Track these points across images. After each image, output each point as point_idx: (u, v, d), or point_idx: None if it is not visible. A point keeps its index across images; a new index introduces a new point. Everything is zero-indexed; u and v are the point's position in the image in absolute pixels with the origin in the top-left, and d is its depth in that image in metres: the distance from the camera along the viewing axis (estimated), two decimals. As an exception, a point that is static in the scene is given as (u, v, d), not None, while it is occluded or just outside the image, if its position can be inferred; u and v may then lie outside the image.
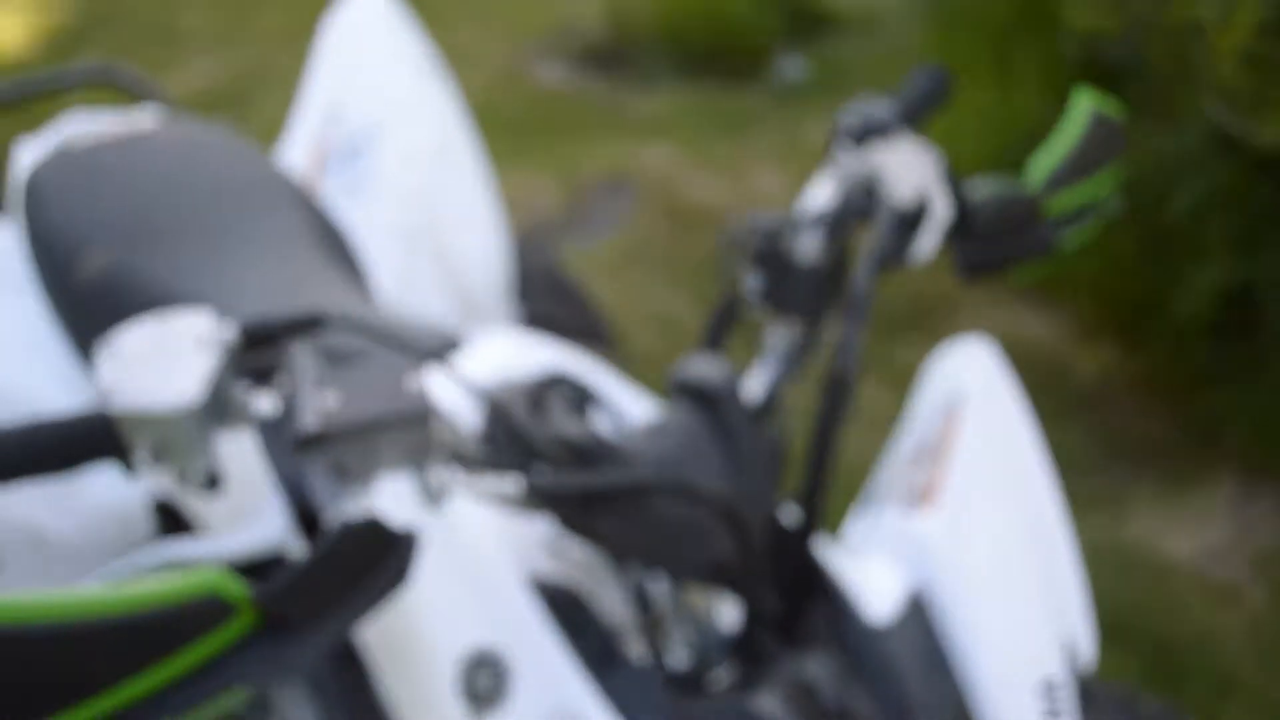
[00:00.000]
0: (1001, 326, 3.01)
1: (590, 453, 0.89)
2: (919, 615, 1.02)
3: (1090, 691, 1.07)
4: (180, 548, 0.79)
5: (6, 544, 1.40)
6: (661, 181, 3.70)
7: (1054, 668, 1.02)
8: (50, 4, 4.86)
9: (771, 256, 1.03)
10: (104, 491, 1.44)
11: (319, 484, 0.72)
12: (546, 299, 2.09)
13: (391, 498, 0.82)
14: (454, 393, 0.93)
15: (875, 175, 1.06)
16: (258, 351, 0.76)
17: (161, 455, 0.69)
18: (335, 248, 1.39)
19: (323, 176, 1.76)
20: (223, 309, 0.82)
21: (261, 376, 0.76)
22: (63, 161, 1.31)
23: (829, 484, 1.01)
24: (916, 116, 1.15)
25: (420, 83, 1.78)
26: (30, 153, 1.38)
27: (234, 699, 0.70)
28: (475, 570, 0.96)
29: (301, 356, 0.74)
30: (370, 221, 1.68)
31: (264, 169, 1.44)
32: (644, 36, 4.75)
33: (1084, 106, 1.13)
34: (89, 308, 1.04)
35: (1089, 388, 2.91)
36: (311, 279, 1.21)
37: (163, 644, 0.63)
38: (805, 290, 1.03)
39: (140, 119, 1.47)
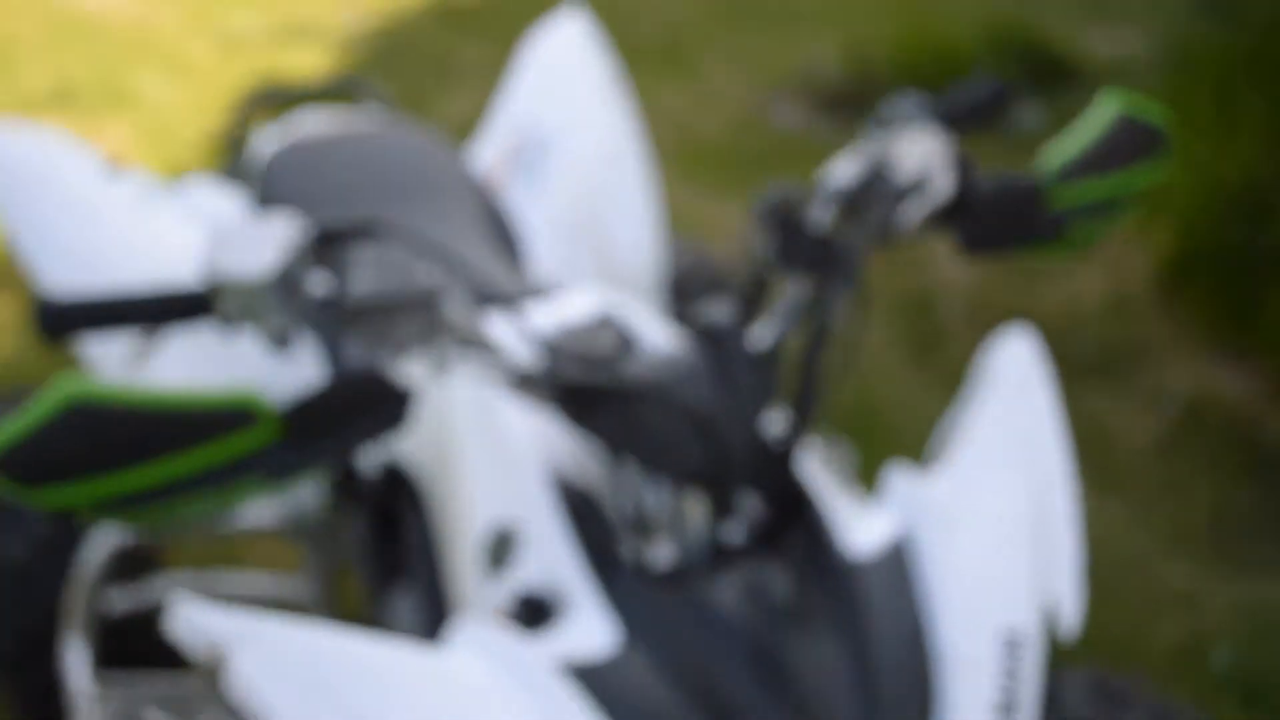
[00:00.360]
0: (1191, 379, 2.96)
1: (603, 367, 1.10)
2: (898, 559, 1.12)
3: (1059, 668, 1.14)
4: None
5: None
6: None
7: (1023, 624, 1.07)
8: (346, 44, 5.51)
9: (787, 222, 1.18)
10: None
11: (353, 350, 0.96)
12: (703, 296, 2.31)
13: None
14: (508, 328, 1.13)
15: (887, 157, 1.19)
16: (329, 248, 1.00)
17: (244, 315, 0.94)
18: (499, 232, 1.70)
19: (509, 174, 2.06)
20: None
21: (330, 267, 1.01)
22: (297, 150, 1.70)
23: (813, 414, 1.15)
24: (957, 116, 1.26)
25: (603, 98, 2.07)
26: (271, 139, 1.77)
27: (257, 489, 0.95)
28: (510, 459, 1.21)
29: (355, 252, 0.98)
30: (543, 216, 1.97)
31: (452, 163, 1.81)
32: (881, 81, 4.88)
33: (1109, 106, 1.22)
34: None
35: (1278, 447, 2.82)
36: (471, 252, 1.51)
37: (207, 433, 0.89)
38: (812, 255, 1.17)
39: (359, 119, 1.85)
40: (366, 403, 0.95)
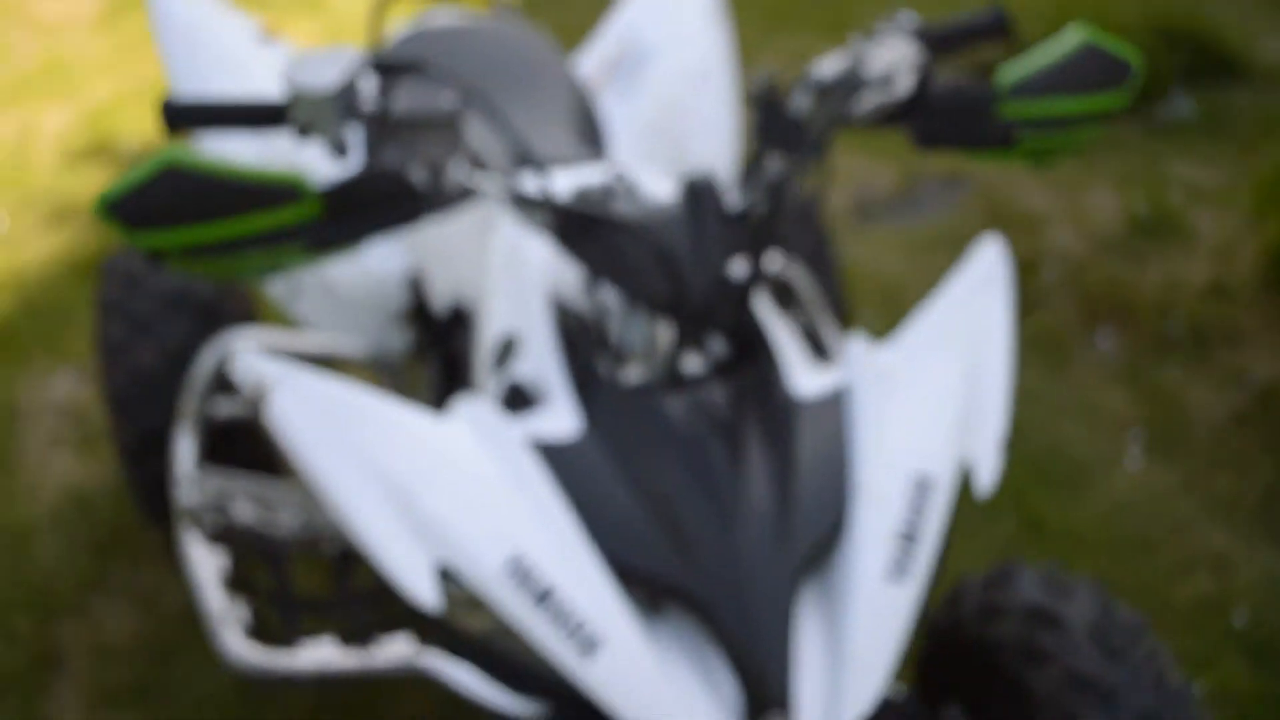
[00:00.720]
0: (1273, 366, 2.99)
1: (594, 199, 1.30)
2: (834, 405, 1.28)
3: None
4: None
5: (307, 284, 2.05)
6: (996, 187, 3.90)
7: (935, 473, 1.24)
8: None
9: (771, 104, 1.35)
10: (375, 265, 2.07)
11: (389, 157, 1.19)
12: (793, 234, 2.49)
13: None
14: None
15: (862, 56, 1.33)
16: (386, 77, 1.23)
17: (311, 123, 1.18)
18: (584, 124, 1.93)
19: (607, 79, 2.28)
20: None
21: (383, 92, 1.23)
22: (420, 35, 1.96)
23: (769, 268, 1.36)
24: (945, 37, 1.36)
25: (703, 24, 2.27)
26: (403, 30, 2.04)
27: (299, 257, 1.19)
28: (522, 284, 1.43)
29: (404, 82, 1.22)
30: (629, 120, 2.19)
31: (554, 61, 2.05)
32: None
33: (1075, 35, 1.32)
34: None
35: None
36: (539, 130, 1.74)
37: (264, 201, 1.13)
38: (786, 133, 1.34)
39: (483, 18, 2.10)
40: (390, 196, 1.17)
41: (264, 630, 1.77)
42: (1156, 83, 4.59)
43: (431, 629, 1.30)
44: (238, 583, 1.83)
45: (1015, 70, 1.31)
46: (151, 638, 2.26)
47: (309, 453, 1.14)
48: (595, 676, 1.11)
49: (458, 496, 1.14)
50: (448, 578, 1.14)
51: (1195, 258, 3.40)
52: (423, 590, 1.12)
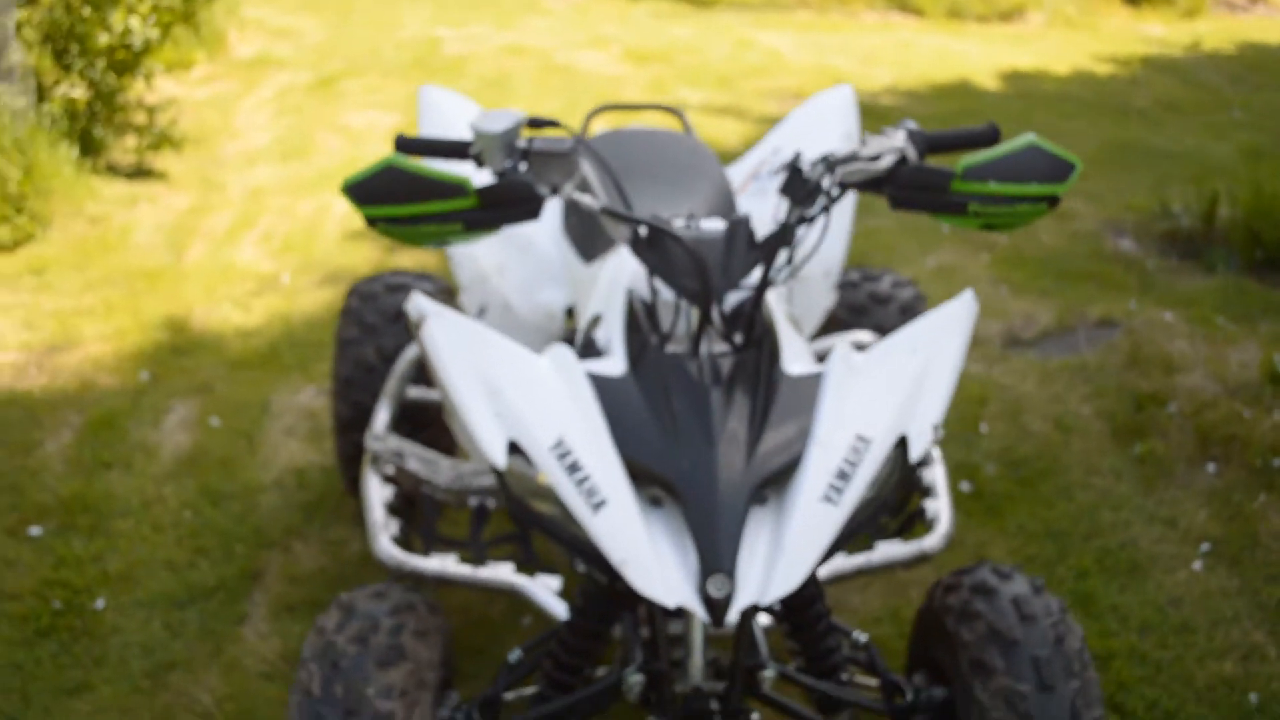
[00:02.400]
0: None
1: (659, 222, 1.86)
2: (811, 384, 1.74)
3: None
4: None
5: (492, 302, 2.68)
6: (1141, 331, 4.20)
7: (876, 436, 1.67)
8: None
9: (793, 171, 1.84)
10: (546, 299, 2.68)
11: (527, 178, 1.77)
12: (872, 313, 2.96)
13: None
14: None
15: (865, 144, 1.81)
16: (539, 130, 1.84)
17: (485, 154, 1.78)
18: (721, 206, 2.48)
19: (748, 182, 2.86)
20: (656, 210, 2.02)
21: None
22: (611, 136, 2.59)
23: (773, 281, 1.80)
24: (946, 140, 1.81)
25: (839, 138, 2.79)
26: (602, 132, 2.69)
27: (462, 234, 1.77)
28: (613, 282, 2.00)
29: (544, 133, 1.82)
30: (759, 217, 2.75)
31: (707, 165, 2.63)
32: (1219, 230, 5.17)
33: (1026, 138, 1.74)
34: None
35: None
36: (702, 205, 2.31)
37: (443, 193, 1.71)
38: (800, 192, 1.82)
39: (660, 130, 2.73)
40: (520, 198, 1.75)
41: (406, 543, 2.36)
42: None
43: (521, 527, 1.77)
44: (395, 510, 2.43)
45: (971, 158, 1.71)
46: (330, 573, 2.90)
47: (442, 358, 1.68)
48: (599, 527, 1.57)
49: (530, 398, 1.66)
50: (516, 451, 1.64)
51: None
52: (496, 453, 1.62)
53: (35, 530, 3.07)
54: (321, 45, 9.13)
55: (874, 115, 7.33)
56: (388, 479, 2.50)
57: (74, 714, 2.48)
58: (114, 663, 2.63)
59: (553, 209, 2.81)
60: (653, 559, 1.58)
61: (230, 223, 5.41)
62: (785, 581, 1.58)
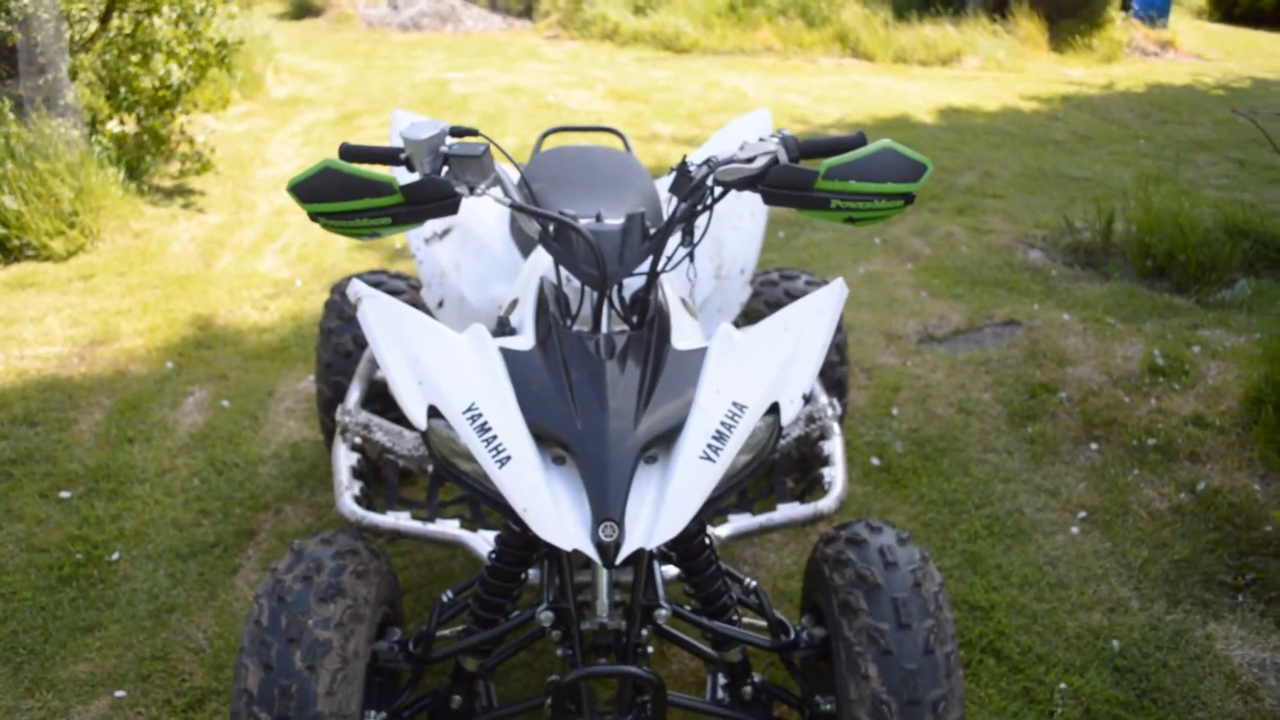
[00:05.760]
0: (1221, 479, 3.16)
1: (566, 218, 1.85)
2: (696, 357, 1.74)
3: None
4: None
5: (449, 297, 2.68)
6: (1041, 330, 4.20)
7: (749, 402, 1.67)
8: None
9: (681, 172, 1.84)
10: (497, 292, 2.67)
11: (448, 179, 1.78)
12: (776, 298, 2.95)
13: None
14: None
15: (744, 149, 1.80)
16: (460, 138, 1.84)
17: (414, 160, 1.79)
18: (655, 205, 2.46)
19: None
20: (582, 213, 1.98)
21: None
22: (553, 153, 2.58)
23: (661, 268, 1.80)
24: (819, 147, 1.80)
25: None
26: (545, 150, 2.68)
27: (390, 227, 1.77)
28: (529, 270, 1.99)
29: (463, 139, 1.82)
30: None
31: (640, 177, 2.60)
32: (1121, 246, 5.16)
33: (882, 143, 1.72)
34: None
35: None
36: (630, 209, 2.28)
37: (373, 191, 1.72)
38: (687, 189, 1.82)
39: (599, 148, 2.72)
40: (440, 196, 1.74)
41: (369, 503, 2.36)
42: (1221, 270, 4.78)
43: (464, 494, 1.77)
44: (359, 474, 2.43)
45: (833, 160, 1.70)
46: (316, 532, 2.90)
47: (374, 334, 1.70)
48: (504, 480, 1.57)
49: (447, 368, 1.67)
50: (435, 414, 1.65)
51: (1189, 396, 3.60)
52: (418, 416, 1.63)
53: (65, 494, 3.07)
54: (346, 87, 9.15)
55: (823, 146, 7.34)
56: (355, 448, 2.50)
57: (85, 648, 2.48)
58: (123, 605, 2.63)
59: (503, 215, 2.81)
60: (551, 508, 1.58)
61: (256, 237, 5.42)
62: (668, 528, 1.58)
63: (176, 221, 5.60)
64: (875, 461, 3.31)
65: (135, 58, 5.89)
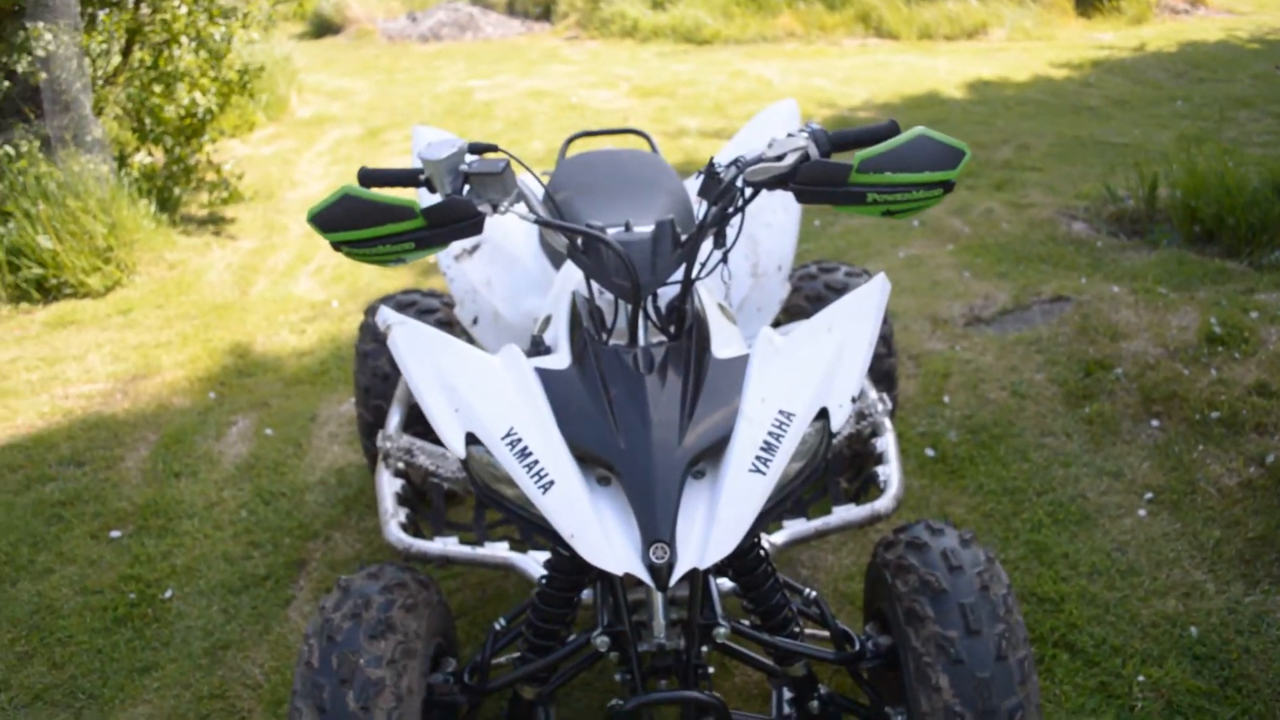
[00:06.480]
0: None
1: (595, 230, 1.79)
2: (739, 365, 1.67)
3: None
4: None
5: (483, 314, 2.63)
6: (1090, 304, 4.08)
7: (797, 411, 1.59)
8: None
9: (709, 174, 1.76)
10: (531, 307, 2.62)
11: (470, 198, 1.73)
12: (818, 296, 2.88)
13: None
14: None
15: (774, 146, 1.70)
16: (480, 154, 1.79)
17: (434, 179, 1.74)
18: (685, 207, 2.39)
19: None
20: (608, 220, 1.95)
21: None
22: (578, 158, 2.53)
23: (697, 275, 1.73)
24: (850, 138, 1.72)
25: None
26: (573, 155, 2.63)
27: (413, 252, 1.72)
28: (560, 286, 1.93)
29: (483, 156, 1.77)
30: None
31: (668, 179, 2.53)
32: (1167, 212, 5.01)
33: (915, 130, 1.62)
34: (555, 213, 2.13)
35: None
36: (660, 213, 2.21)
37: (394, 216, 1.67)
38: (716, 192, 1.75)
39: (625, 150, 2.66)
40: (463, 216, 1.68)
41: (416, 529, 2.33)
42: (1273, 231, 4.62)
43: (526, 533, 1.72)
44: (404, 500, 2.40)
45: (865, 152, 1.59)
46: (364, 557, 2.87)
47: (406, 362, 1.65)
48: (548, 505, 1.51)
49: (483, 393, 1.62)
50: (473, 441, 1.60)
51: (1250, 365, 3.48)
52: (457, 445, 1.58)
53: (115, 533, 3.07)
54: (370, 102, 9.17)
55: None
56: (398, 474, 2.46)
57: (143, 690, 2.47)
58: (178, 644, 2.61)
59: (531, 227, 2.75)
60: (598, 532, 1.52)
61: (289, 260, 5.42)
62: (721, 546, 1.51)
63: (210, 250, 5.61)
64: (930, 452, 3.22)
65: (158, 88, 5.91)
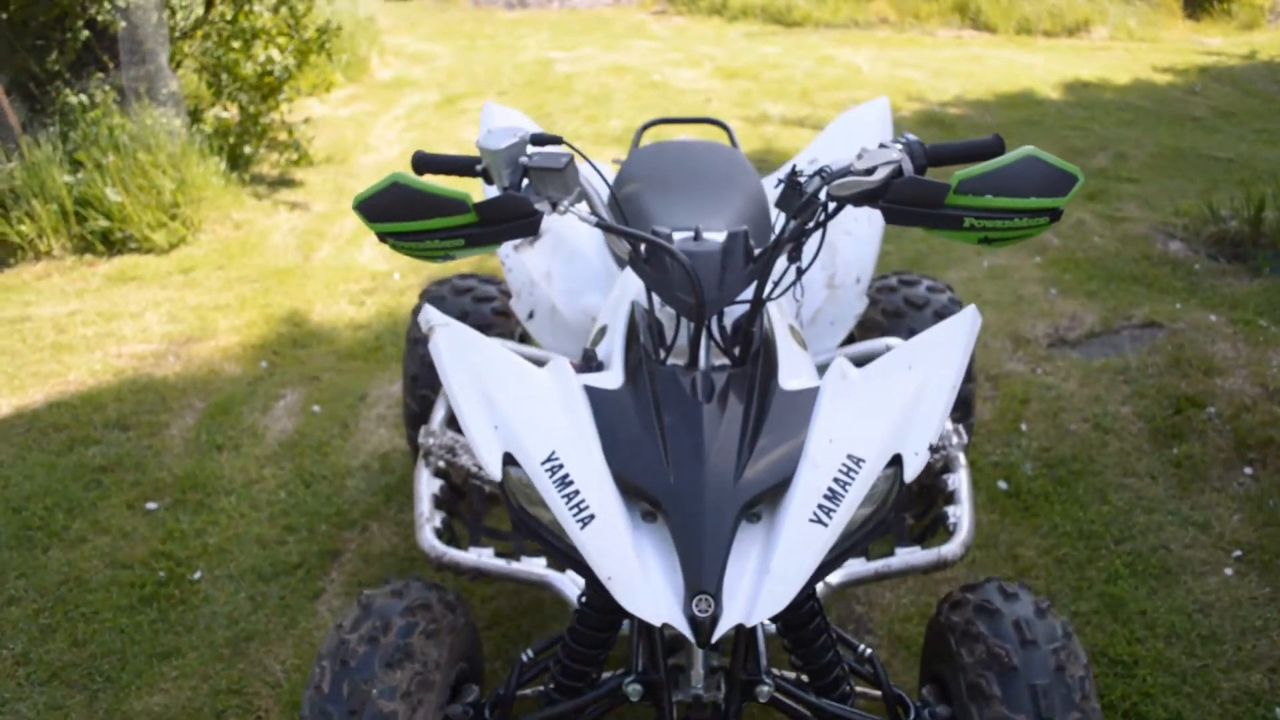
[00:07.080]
0: None
1: (659, 236, 1.62)
2: (806, 399, 1.51)
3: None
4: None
5: (540, 308, 2.49)
6: (1185, 333, 3.82)
7: (868, 457, 1.42)
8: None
9: (792, 182, 1.58)
10: (590, 305, 2.48)
11: (528, 194, 1.58)
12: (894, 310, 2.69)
13: None
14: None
15: (862, 159, 1.51)
16: (538, 144, 1.64)
17: (492, 171, 1.60)
18: (760, 218, 2.23)
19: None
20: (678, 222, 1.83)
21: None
22: (651, 148, 2.37)
23: (768, 295, 1.57)
24: (947, 153, 1.52)
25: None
26: (646, 145, 2.47)
27: (463, 249, 1.58)
28: (619, 296, 1.78)
29: (545, 148, 1.62)
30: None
31: (744, 174, 2.37)
32: (1272, 234, 4.70)
33: (1022, 150, 1.42)
34: (620, 210, 1.96)
35: None
36: (709, 217, 2.06)
37: (446, 209, 1.52)
38: (797, 205, 1.56)
39: (701, 141, 2.49)
40: (518, 214, 1.54)
41: (451, 535, 2.20)
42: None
43: (557, 557, 1.59)
44: (441, 503, 2.27)
45: (966, 171, 1.42)
46: (400, 553, 2.76)
47: (446, 369, 1.52)
48: (587, 542, 1.38)
49: (525, 411, 1.47)
50: (511, 462, 1.45)
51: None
52: (492, 465, 1.44)
53: (151, 505, 3.01)
54: (450, 68, 9.07)
55: (941, 124, 6.95)
56: (438, 473, 2.34)
57: (161, 678, 2.39)
58: (201, 630, 2.53)
59: None
60: (639, 576, 1.37)
61: (355, 227, 5.34)
62: (772, 603, 1.36)
63: (277, 211, 5.56)
64: (1003, 485, 3.02)
65: (236, 44, 5.86)
